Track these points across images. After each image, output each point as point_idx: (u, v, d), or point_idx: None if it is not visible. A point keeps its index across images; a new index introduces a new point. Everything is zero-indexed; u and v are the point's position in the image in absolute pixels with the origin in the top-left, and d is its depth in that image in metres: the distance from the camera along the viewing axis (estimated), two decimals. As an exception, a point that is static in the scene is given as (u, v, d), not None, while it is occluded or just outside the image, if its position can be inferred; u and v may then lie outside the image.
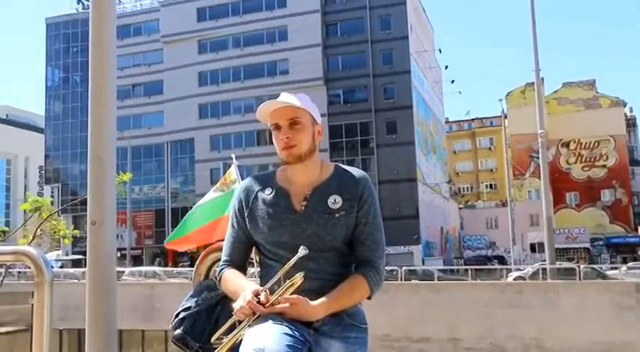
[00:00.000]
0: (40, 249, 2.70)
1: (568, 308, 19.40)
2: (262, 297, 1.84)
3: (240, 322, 1.87)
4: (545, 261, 26.40)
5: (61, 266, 37.41)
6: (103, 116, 2.58)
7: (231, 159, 6.52)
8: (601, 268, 30.71)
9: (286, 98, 2.05)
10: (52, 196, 55.37)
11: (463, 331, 20.06)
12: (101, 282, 2.50)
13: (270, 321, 1.80)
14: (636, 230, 59.37)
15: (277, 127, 2.06)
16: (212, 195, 6.06)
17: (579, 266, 24.65)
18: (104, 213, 2.50)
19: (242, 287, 1.94)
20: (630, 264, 35.57)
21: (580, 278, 22.66)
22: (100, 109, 2.58)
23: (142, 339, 24.31)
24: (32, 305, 2.52)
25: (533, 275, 26.38)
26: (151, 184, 56.79)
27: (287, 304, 1.84)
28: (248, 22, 55.34)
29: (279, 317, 1.83)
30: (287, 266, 1.89)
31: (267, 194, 2.08)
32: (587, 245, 55.24)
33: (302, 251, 1.88)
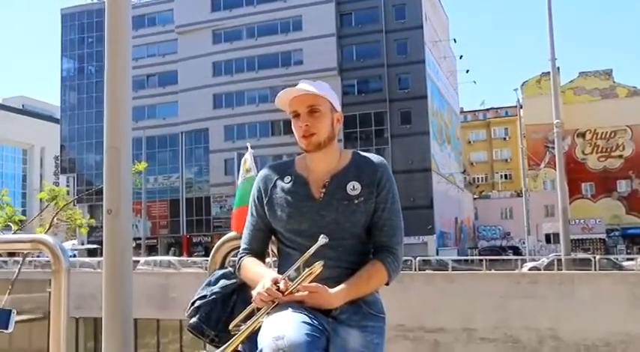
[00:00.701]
0: (57, 238, 2.72)
1: (583, 298, 19.33)
2: (282, 285, 1.84)
3: (258, 309, 1.87)
4: (560, 251, 26.29)
5: (73, 256, 37.69)
6: (118, 106, 2.57)
7: (246, 148, 6.46)
8: (617, 259, 30.54)
9: (305, 86, 2.03)
10: (68, 186, 55.78)
11: (478, 321, 20.05)
12: (117, 271, 2.49)
13: (290, 309, 1.80)
14: (653, 221, 58.86)
15: (296, 115, 2.05)
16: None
17: (595, 257, 24.53)
18: (120, 202, 2.49)
19: (261, 275, 1.95)
20: (646, 255, 35.27)
21: (595, 269, 22.56)
22: (116, 99, 2.57)
23: (157, 328, 24.60)
24: (49, 293, 2.54)
25: (548, 266, 26.30)
26: (166, 174, 56.94)
27: (306, 292, 1.85)
28: (262, 12, 55.26)
29: (298, 305, 1.83)
30: (307, 255, 1.89)
31: (286, 182, 2.08)
32: (603, 236, 54.81)
33: (322, 239, 1.88)
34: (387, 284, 2.03)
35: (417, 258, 25.66)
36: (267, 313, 1.83)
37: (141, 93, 54.74)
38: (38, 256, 26.23)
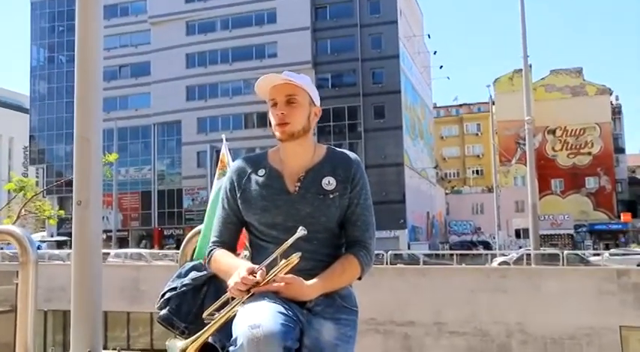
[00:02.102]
0: (25, 230, 2.66)
1: (551, 293, 19.47)
2: (258, 275, 1.85)
3: (232, 299, 1.88)
4: (529, 246, 26.57)
5: (40, 248, 37.14)
6: (89, 96, 2.56)
7: (220, 141, 6.38)
8: (584, 254, 30.92)
9: (287, 75, 2.05)
10: (37, 177, 54.88)
11: (448, 315, 20.08)
12: (86, 263, 2.49)
13: (266, 299, 1.81)
14: (619, 217, 59.91)
15: (275, 103, 2.07)
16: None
17: (563, 252, 24.82)
18: (90, 193, 2.50)
19: (235, 266, 1.94)
20: (612, 251, 35.92)
21: (563, 264, 22.82)
22: (86, 90, 2.57)
23: (127, 321, 24.30)
24: (17, 284, 2.54)
25: (518, 261, 26.52)
26: (138, 166, 56.38)
27: (283, 283, 1.86)
28: (236, 3, 54.75)
29: (274, 295, 1.84)
30: (285, 246, 1.90)
31: (260, 175, 2.09)
32: (571, 231, 55.70)
33: (301, 231, 1.90)
34: (359, 278, 2.06)
35: (389, 252, 25.73)
36: (243, 302, 1.84)
37: (113, 83, 53.90)
38: (2, 248, 25.75)
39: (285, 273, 1.88)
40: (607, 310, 18.78)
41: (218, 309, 1.92)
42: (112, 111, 50.89)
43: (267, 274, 1.87)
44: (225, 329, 1.84)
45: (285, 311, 1.78)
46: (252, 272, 1.85)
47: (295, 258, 1.86)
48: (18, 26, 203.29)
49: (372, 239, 2.09)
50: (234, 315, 1.83)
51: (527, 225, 27.19)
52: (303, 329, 1.86)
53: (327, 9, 53.37)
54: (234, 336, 1.74)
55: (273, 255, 1.91)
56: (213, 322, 1.87)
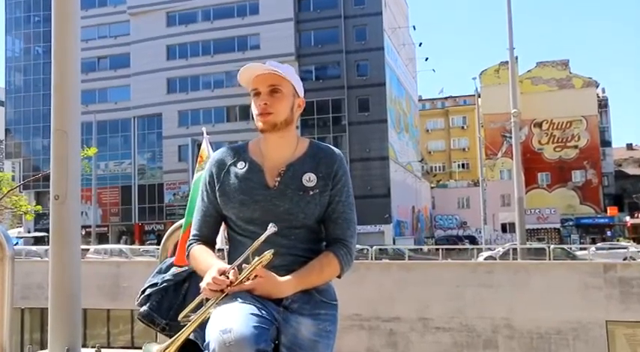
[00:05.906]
0: (1, 225, 2.66)
1: (537, 287, 19.76)
2: (231, 275, 1.83)
3: (208, 299, 1.86)
4: (516, 241, 26.57)
5: (15, 244, 36.74)
6: (66, 89, 2.59)
7: (201, 134, 5.92)
8: (570, 248, 31.13)
9: (271, 65, 2.03)
10: (13, 172, 54.25)
11: (433, 311, 20.30)
12: (64, 260, 2.53)
13: (239, 300, 1.79)
14: (605, 211, 60.32)
15: (257, 93, 2.05)
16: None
17: (549, 247, 24.91)
18: (68, 188, 2.53)
19: (210, 265, 1.92)
20: (599, 245, 36.04)
21: (550, 259, 22.94)
22: (64, 82, 2.59)
23: (107, 319, 24.43)
24: None
25: (504, 255, 26.78)
26: (117, 160, 56.34)
27: (255, 281, 1.84)
28: (219, -7, 54.39)
29: (248, 295, 1.82)
30: (256, 244, 1.89)
31: (240, 168, 2.07)
32: (558, 225, 55.98)
33: (271, 228, 1.88)
34: (338, 277, 2.03)
35: (374, 247, 25.90)
36: (217, 303, 1.81)
37: (91, 76, 53.63)
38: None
39: None
40: (593, 304, 19.19)
41: (194, 310, 1.90)
42: (90, 104, 50.37)
43: (240, 273, 1.85)
44: (205, 326, 1.81)
45: (258, 312, 1.75)
46: (223, 273, 1.84)
47: (268, 255, 1.83)
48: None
49: (353, 237, 2.08)
50: (210, 316, 1.80)
51: (514, 219, 27.23)
52: (280, 327, 1.84)
53: (311, 0, 52.94)
54: (206, 341, 1.72)
55: (245, 253, 1.89)
56: (188, 325, 1.83)
